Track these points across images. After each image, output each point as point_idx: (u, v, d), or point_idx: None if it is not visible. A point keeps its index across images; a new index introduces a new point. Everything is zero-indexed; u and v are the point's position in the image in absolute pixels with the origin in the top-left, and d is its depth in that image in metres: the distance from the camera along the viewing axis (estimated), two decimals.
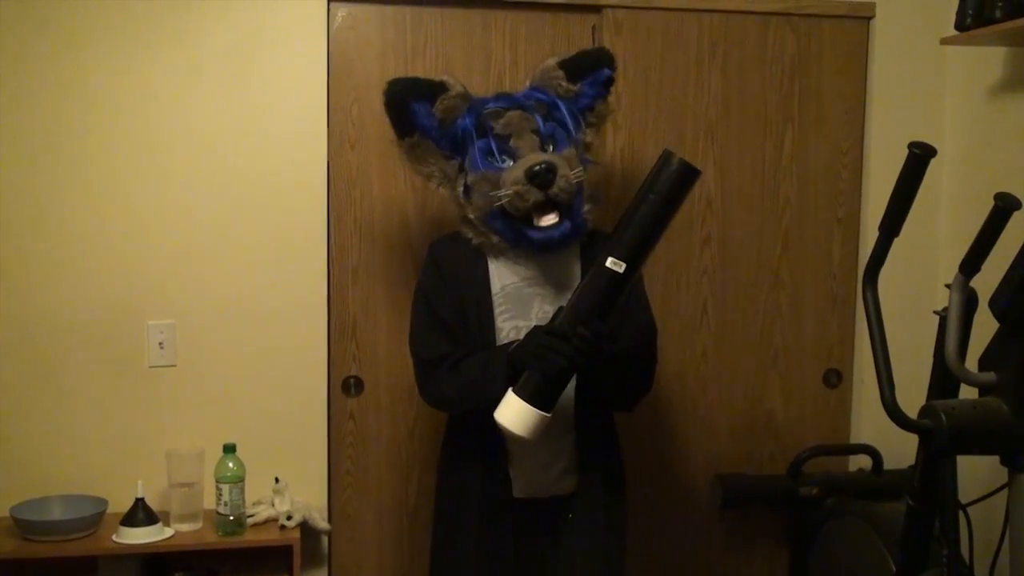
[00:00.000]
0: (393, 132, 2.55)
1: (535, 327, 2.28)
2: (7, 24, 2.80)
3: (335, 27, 3.02)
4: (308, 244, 3.02)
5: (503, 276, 2.50)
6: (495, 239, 2.48)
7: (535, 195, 2.35)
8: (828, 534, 3.11)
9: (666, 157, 2.21)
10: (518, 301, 2.48)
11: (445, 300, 2.50)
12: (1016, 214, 2.03)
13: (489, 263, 2.51)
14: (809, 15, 3.26)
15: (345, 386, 3.12)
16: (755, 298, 3.34)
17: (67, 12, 2.82)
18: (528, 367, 2.20)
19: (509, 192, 2.36)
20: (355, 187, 3.07)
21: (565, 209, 2.40)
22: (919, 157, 2.09)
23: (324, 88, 3.00)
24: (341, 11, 3.02)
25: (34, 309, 2.87)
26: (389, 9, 3.05)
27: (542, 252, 2.46)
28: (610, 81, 2.63)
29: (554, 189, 2.35)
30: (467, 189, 2.48)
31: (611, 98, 2.69)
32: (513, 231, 2.43)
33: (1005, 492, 2.08)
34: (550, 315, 2.39)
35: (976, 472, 2.55)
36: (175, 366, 2.96)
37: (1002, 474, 2.08)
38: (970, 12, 2.85)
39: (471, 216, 2.49)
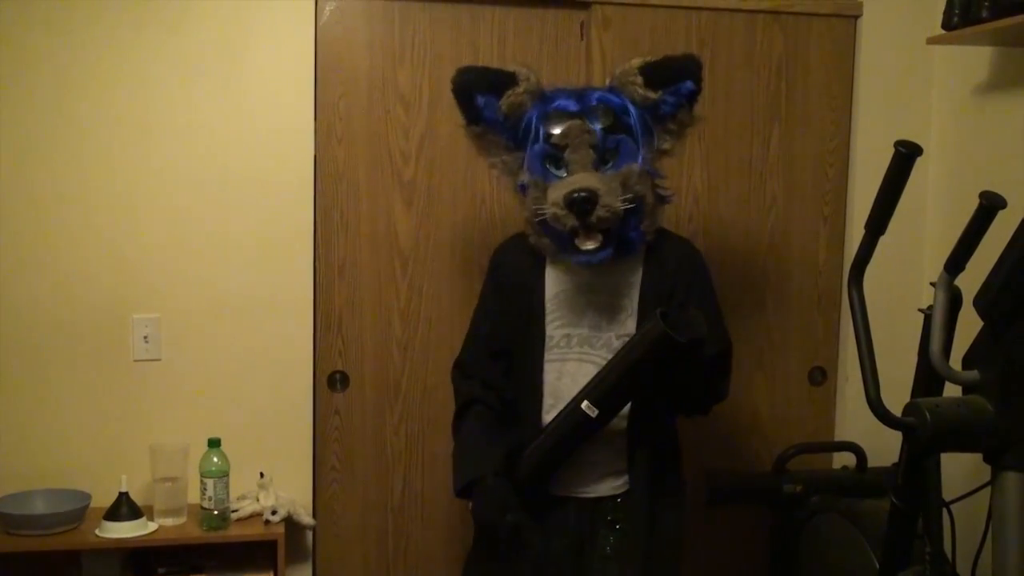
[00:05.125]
0: (461, 116, 2.52)
1: (497, 484, 2.39)
2: None
3: (323, 22, 3.01)
4: (294, 238, 3.01)
5: (558, 281, 2.49)
6: (546, 241, 2.45)
7: (572, 221, 2.30)
8: (812, 531, 3.11)
9: (653, 322, 2.30)
10: (570, 308, 2.47)
11: (491, 311, 2.59)
12: (1001, 213, 2.04)
13: (547, 267, 2.50)
14: (797, 13, 3.27)
15: (330, 381, 3.11)
16: (741, 296, 3.34)
17: (54, 7, 2.81)
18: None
19: (549, 211, 2.33)
20: (341, 182, 3.06)
21: (609, 233, 2.34)
22: (905, 156, 2.10)
23: (311, 83, 2.99)
24: (329, 6, 3.01)
25: (18, 302, 2.86)
26: (377, 4, 3.04)
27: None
28: (693, 95, 2.46)
29: (592, 218, 2.29)
30: (523, 187, 2.46)
31: (697, 108, 2.52)
32: (558, 242, 2.41)
33: (988, 490, 2.09)
34: (600, 325, 2.46)
35: (959, 470, 2.56)
36: (160, 360, 2.95)
37: (985, 472, 2.09)
38: (956, 12, 2.86)
39: (527, 214, 2.47)
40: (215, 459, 2.82)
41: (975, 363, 2.09)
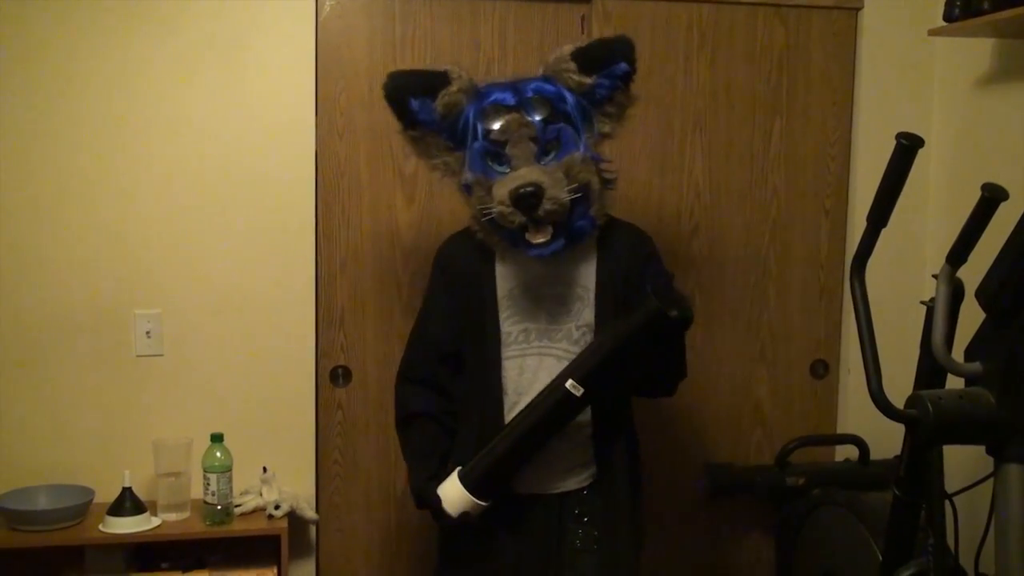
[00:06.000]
0: (397, 122, 2.48)
1: (424, 494, 2.40)
2: None
3: (323, 16, 3.01)
4: (296, 233, 3.01)
5: (510, 277, 2.44)
6: (496, 238, 2.41)
7: (519, 218, 2.27)
8: (814, 524, 3.12)
9: (646, 298, 2.26)
10: (526, 303, 2.43)
11: (440, 313, 2.52)
12: (1003, 204, 2.04)
13: (496, 263, 2.46)
14: (798, 6, 3.27)
15: (333, 376, 3.12)
16: (743, 289, 3.34)
17: (55, 4, 2.80)
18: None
19: (495, 210, 2.29)
20: (343, 176, 3.06)
21: (559, 224, 2.31)
22: (907, 148, 2.09)
23: (312, 77, 2.99)
24: (329, 0, 3.01)
25: (20, 298, 2.86)
26: None
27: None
28: (628, 75, 2.42)
29: (540, 212, 2.25)
30: (467, 186, 2.41)
31: (634, 87, 2.48)
32: (508, 238, 2.37)
33: (991, 482, 2.09)
34: (558, 317, 2.41)
35: (962, 462, 2.56)
36: (162, 355, 2.96)
37: (988, 464, 2.09)
38: (958, 3, 2.86)
39: (473, 213, 2.43)
40: (218, 454, 2.82)
41: (977, 355, 2.09)
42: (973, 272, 2.11)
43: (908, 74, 3.31)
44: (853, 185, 3.36)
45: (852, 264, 2.24)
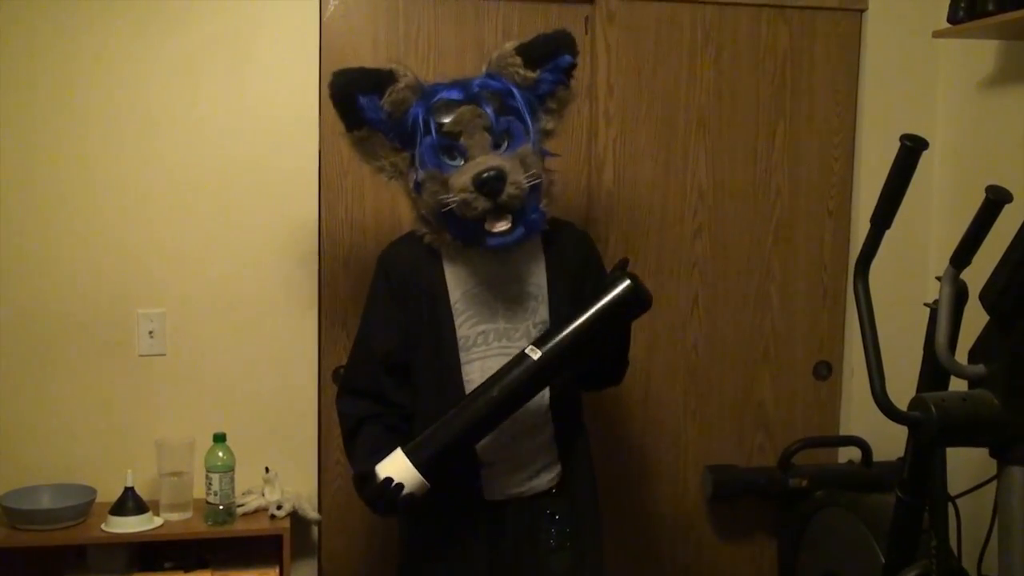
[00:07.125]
0: (341, 124, 2.45)
1: (365, 474, 2.22)
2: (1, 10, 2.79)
3: (327, 16, 3.01)
4: (299, 233, 3.01)
5: (462, 281, 2.40)
6: (449, 237, 2.37)
7: (483, 203, 2.23)
8: (817, 526, 3.12)
9: (618, 276, 2.22)
10: (482, 305, 2.39)
11: (387, 323, 2.44)
12: (1007, 207, 2.04)
13: (445, 267, 2.41)
14: (802, 7, 3.26)
15: (336, 376, 3.11)
16: (746, 290, 3.34)
17: (59, 1, 2.82)
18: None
19: (456, 199, 2.25)
20: (347, 176, 3.06)
21: (518, 213, 2.29)
22: (911, 149, 2.09)
23: (316, 77, 2.99)
24: (334, 0, 3.01)
25: (23, 297, 2.86)
26: None
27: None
28: (571, 67, 2.45)
29: (503, 197, 2.22)
30: (418, 185, 2.37)
31: (573, 83, 2.52)
32: (465, 233, 2.33)
33: (994, 484, 2.09)
34: (515, 316, 2.39)
35: (965, 464, 2.56)
36: (165, 355, 2.96)
37: (991, 466, 2.09)
38: (962, 5, 2.86)
39: (423, 212, 2.39)
40: (220, 454, 2.82)
41: (981, 357, 2.09)
42: (977, 274, 2.11)
43: (912, 76, 3.30)
44: (857, 187, 3.35)
45: (855, 266, 2.24)
